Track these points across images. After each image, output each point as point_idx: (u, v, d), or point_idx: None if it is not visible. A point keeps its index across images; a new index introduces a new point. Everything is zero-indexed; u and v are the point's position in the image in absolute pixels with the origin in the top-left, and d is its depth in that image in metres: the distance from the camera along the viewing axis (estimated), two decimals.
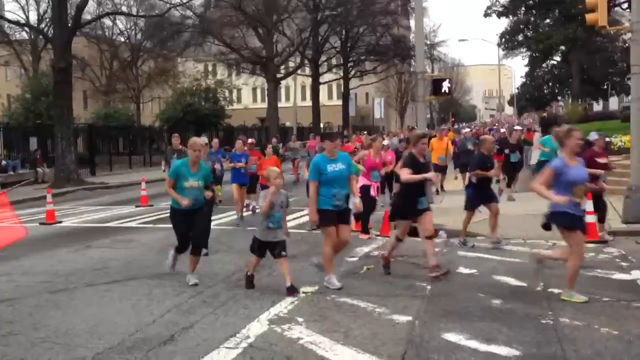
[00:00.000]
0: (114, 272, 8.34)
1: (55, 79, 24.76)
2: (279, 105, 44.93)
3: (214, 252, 9.63)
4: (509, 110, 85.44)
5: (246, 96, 70.84)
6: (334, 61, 51.27)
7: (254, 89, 66.64)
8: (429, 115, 61.49)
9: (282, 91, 59.90)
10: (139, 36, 48.57)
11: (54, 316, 6.31)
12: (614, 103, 65.04)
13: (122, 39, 49.12)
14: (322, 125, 47.98)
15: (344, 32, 47.17)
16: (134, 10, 43.11)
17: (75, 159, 24.87)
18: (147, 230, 12.22)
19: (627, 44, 29.24)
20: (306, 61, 45.26)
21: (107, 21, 46.37)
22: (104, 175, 28.60)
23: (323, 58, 47.47)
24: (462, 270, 8.01)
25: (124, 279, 7.95)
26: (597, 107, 64.93)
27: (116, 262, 9.05)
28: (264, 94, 51.29)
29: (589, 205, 9.93)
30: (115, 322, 6.02)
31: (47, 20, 40.68)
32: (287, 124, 50.70)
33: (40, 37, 39.39)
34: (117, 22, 48.14)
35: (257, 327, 5.74)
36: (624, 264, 8.19)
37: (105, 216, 14.87)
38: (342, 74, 50.69)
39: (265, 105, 46.34)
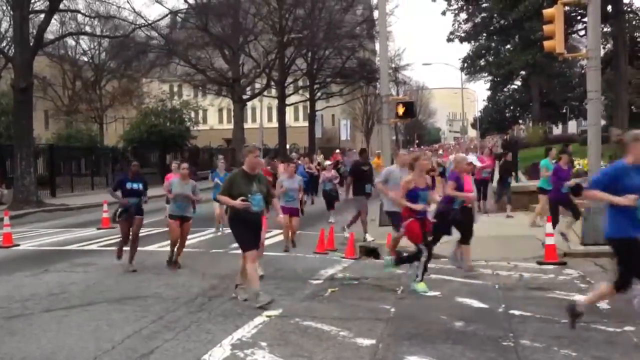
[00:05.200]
0: (72, 297, 8.13)
1: (15, 98, 24.29)
2: (245, 126, 44.89)
3: (177, 274, 9.50)
4: (472, 132, 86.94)
5: (212, 117, 70.62)
6: (300, 83, 51.59)
7: (220, 110, 66.52)
8: (394, 137, 62.17)
9: (249, 112, 59.91)
10: (102, 56, 48.12)
11: (9, 343, 6.11)
12: (572, 126, 66.94)
13: (86, 59, 48.58)
14: (288, 147, 48.04)
15: (310, 55, 47.58)
16: (98, 31, 42.73)
17: (35, 180, 24.32)
18: (108, 254, 11.95)
19: (584, 70, 30.15)
20: (272, 83, 45.44)
21: (70, 41, 45.81)
22: (64, 197, 28.02)
23: (289, 80, 47.74)
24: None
25: (83, 304, 7.76)
26: (557, 130, 66.72)
27: (75, 286, 8.82)
28: (230, 115, 51.23)
29: (548, 227, 10.17)
30: (73, 349, 5.86)
31: (8, 39, 39.99)
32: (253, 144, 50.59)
33: (1, 56, 38.65)
34: (81, 41, 47.62)
35: (219, 353, 5.66)
36: (582, 285, 8.35)
37: (65, 239, 14.54)
38: (308, 96, 51.02)
39: (231, 126, 46.26)
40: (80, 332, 6.46)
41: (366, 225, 13.15)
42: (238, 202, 7.27)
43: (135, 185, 9.95)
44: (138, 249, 10.23)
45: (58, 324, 6.81)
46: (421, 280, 8.04)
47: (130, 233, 9.99)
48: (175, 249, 10.12)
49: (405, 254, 8.84)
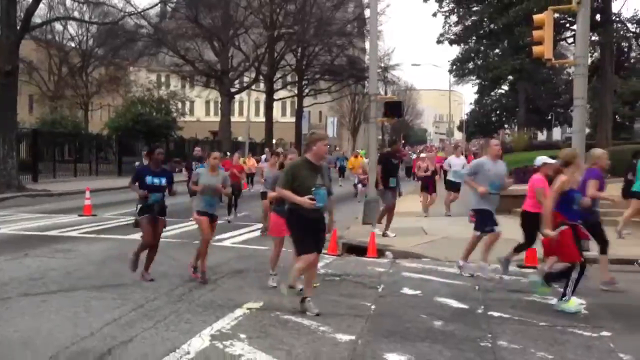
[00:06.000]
0: (51, 283, 8.08)
1: None
2: (232, 119, 44.72)
3: (158, 264, 9.45)
4: (458, 135, 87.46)
5: (199, 109, 70.32)
6: (288, 78, 51.47)
7: (208, 102, 66.25)
8: (380, 137, 62.32)
9: (236, 105, 59.71)
10: (90, 42, 47.67)
11: None
12: (557, 133, 67.63)
13: (73, 45, 48.10)
14: (274, 142, 47.96)
15: (299, 50, 47.48)
16: (87, 16, 42.31)
17: (17, 165, 24.05)
18: (89, 241, 11.90)
19: (571, 77, 30.44)
20: (261, 77, 45.30)
21: (57, 25, 45.37)
22: (46, 183, 27.74)
23: (278, 75, 47.60)
24: (407, 291, 8.10)
25: (62, 289, 7.71)
26: (542, 136, 67.34)
27: (54, 272, 8.76)
28: (218, 107, 51.02)
29: None
30: (51, 334, 5.82)
31: None
32: (240, 138, 50.49)
33: None
34: (69, 27, 47.19)
35: (198, 343, 5.65)
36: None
37: (46, 224, 14.40)
38: (296, 92, 50.93)
39: (218, 118, 46.06)
40: (58, 318, 6.42)
41: (390, 222, 12.69)
42: (305, 200, 6.38)
43: (157, 180, 8.30)
44: (121, 238, 10.05)
45: (36, 309, 6.76)
46: (570, 299, 7.08)
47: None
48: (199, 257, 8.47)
49: (555, 271, 7.71)
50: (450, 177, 16.99)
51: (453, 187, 16.69)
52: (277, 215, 7.85)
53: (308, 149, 6.66)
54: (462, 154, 18.71)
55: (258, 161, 23.70)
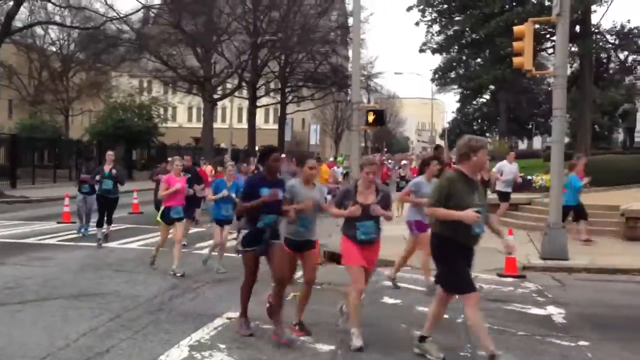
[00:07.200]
0: (28, 292, 7.95)
1: None
2: (215, 125, 44.52)
3: (137, 272, 9.37)
4: (440, 143, 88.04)
5: (181, 115, 69.92)
6: (271, 85, 51.43)
7: (190, 108, 65.93)
8: (363, 144, 62.45)
9: (219, 112, 59.42)
10: (71, 47, 47.23)
11: None
12: (537, 142, 68.38)
13: (54, 49, 47.64)
14: (256, 149, 47.83)
15: (283, 58, 47.48)
16: (68, 21, 41.95)
17: None
18: (67, 249, 11.75)
19: (550, 87, 30.81)
20: (244, 84, 45.20)
21: (39, 30, 44.88)
22: (25, 189, 27.36)
23: (261, 82, 47.53)
24: (387, 300, 8.10)
25: (39, 299, 7.60)
26: (522, 145, 68.02)
27: (31, 281, 8.63)
28: (200, 114, 50.81)
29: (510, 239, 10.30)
30: (26, 345, 5.72)
31: None
32: (222, 145, 50.29)
33: None
34: (50, 31, 46.69)
35: (176, 353, 5.60)
36: (540, 299, 8.49)
37: (23, 232, 14.20)
38: (279, 99, 50.89)
39: (200, 125, 45.82)
40: (34, 328, 6.32)
41: None
42: (470, 214, 5.08)
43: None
44: (109, 246, 9.84)
45: (11, 319, 6.66)
46: None
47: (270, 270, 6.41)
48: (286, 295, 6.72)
49: None
50: (499, 186, 15.29)
51: (503, 197, 15.28)
52: (347, 239, 6.30)
53: (465, 158, 5.27)
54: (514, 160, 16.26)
55: (215, 168, 17.95)
